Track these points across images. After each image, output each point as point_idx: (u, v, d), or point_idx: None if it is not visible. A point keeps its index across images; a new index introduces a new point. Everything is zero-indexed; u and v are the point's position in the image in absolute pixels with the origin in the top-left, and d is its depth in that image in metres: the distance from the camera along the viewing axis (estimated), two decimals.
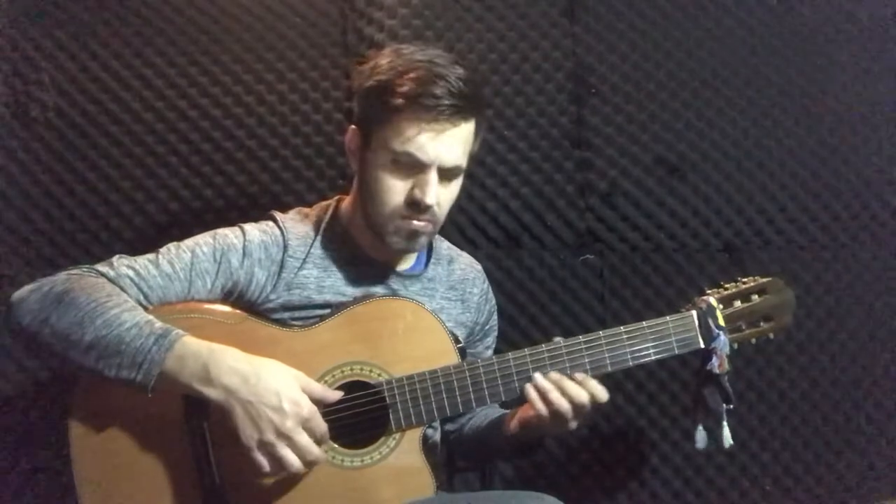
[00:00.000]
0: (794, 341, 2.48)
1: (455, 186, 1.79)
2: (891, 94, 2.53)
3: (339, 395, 1.66)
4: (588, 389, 1.70)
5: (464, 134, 1.74)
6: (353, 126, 1.80)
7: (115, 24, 2.40)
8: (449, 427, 2.07)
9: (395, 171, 1.72)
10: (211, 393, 1.54)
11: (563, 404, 1.68)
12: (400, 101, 1.67)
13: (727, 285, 1.84)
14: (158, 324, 1.56)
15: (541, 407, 1.69)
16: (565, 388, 1.69)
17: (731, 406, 1.79)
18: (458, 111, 1.70)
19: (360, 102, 1.78)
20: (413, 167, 1.71)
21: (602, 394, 1.71)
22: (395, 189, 1.72)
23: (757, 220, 2.49)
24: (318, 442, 1.59)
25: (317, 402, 1.61)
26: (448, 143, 1.71)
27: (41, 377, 2.31)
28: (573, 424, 1.73)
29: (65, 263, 2.30)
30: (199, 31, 2.42)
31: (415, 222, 1.75)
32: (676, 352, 1.75)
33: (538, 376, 1.70)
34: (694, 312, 1.76)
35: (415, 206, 1.72)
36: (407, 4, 2.43)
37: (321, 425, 1.59)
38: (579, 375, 1.71)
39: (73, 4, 2.38)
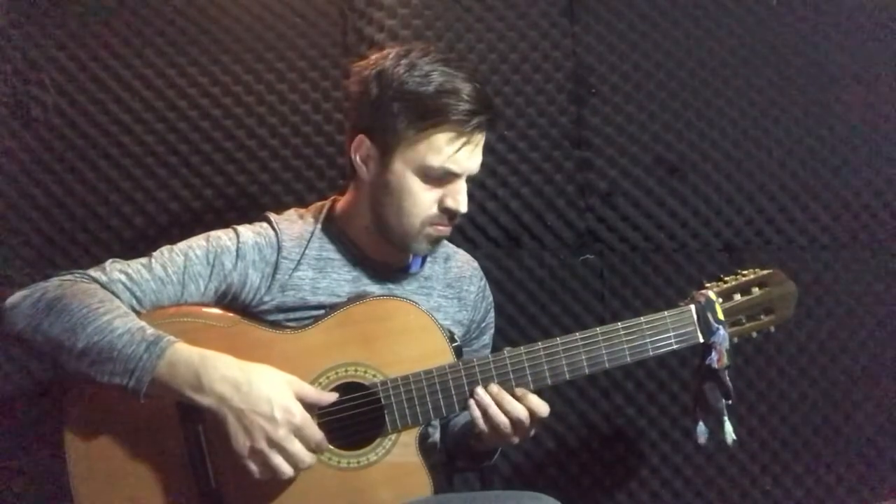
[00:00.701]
0: (794, 341, 2.47)
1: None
2: (891, 93, 2.52)
3: (333, 397, 1.66)
4: (527, 405, 1.68)
5: (484, 141, 1.80)
6: (360, 135, 1.77)
7: (115, 24, 2.40)
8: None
9: (426, 183, 1.74)
10: (203, 400, 1.54)
11: (502, 419, 1.67)
12: (435, 119, 1.69)
13: (727, 278, 1.82)
14: (150, 330, 1.56)
15: (481, 424, 1.68)
16: (503, 403, 1.68)
17: (731, 402, 1.79)
18: (488, 123, 1.76)
19: (373, 113, 1.75)
20: (444, 177, 1.74)
21: (542, 409, 1.70)
22: (428, 199, 1.75)
23: (757, 220, 2.49)
24: (315, 450, 1.59)
25: (312, 405, 1.61)
26: (477, 153, 1.79)
27: (41, 377, 2.31)
28: (515, 439, 1.72)
29: (65, 263, 2.31)
30: (199, 31, 2.42)
31: (441, 228, 1.79)
32: (675, 347, 1.75)
33: (479, 390, 1.69)
34: (692, 307, 1.75)
35: (448, 213, 1.77)
36: (407, 4, 2.43)
37: (316, 434, 1.59)
38: (519, 391, 1.69)
39: (73, 4, 2.38)
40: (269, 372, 1.58)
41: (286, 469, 1.55)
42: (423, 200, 1.75)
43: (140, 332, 1.54)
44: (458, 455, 2.03)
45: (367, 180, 1.79)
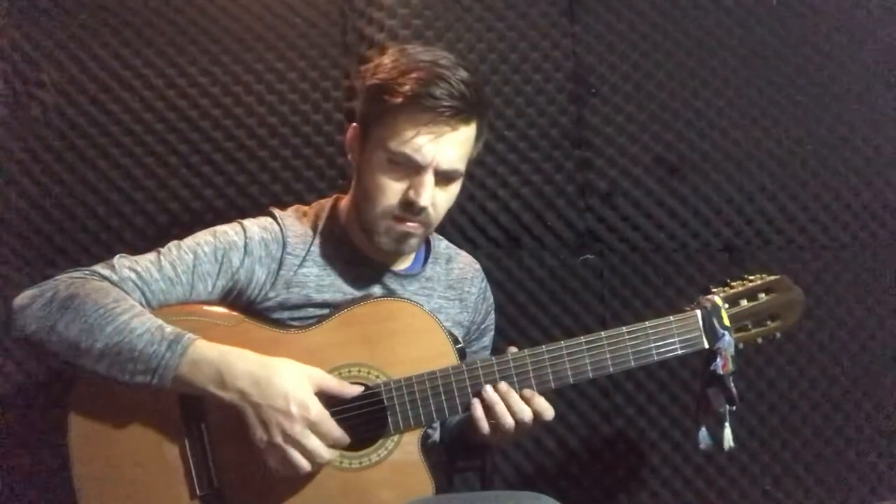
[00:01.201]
0: (794, 341, 2.48)
1: (453, 190, 1.78)
2: (891, 94, 2.53)
3: (356, 390, 1.65)
4: (534, 407, 1.68)
5: (462, 137, 1.73)
6: (354, 124, 1.80)
7: (115, 24, 2.40)
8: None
9: (390, 171, 1.71)
10: (225, 396, 1.54)
11: (507, 420, 1.67)
12: (399, 99, 1.66)
13: (733, 283, 1.81)
14: (169, 328, 1.56)
15: (483, 425, 1.67)
16: (511, 403, 1.67)
17: (734, 407, 1.78)
18: (458, 113, 1.68)
19: (362, 100, 1.77)
20: (409, 168, 1.70)
21: (548, 412, 1.69)
22: (390, 189, 1.71)
23: (757, 220, 2.50)
24: (334, 445, 1.59)
25: (333, 397, 1.61)
26: (445, 146, 1.70)
27: (41, 377, 2.31)
28: (514, 438, 1.73)
29: (65, 263, 2.30)
30: (199, 31, 2.42)
31: (407, 224, 1.74)
32: (680, 352, 1.74)
33: (488, 389, 1.68)
34: (698, 312, 1.74)
35: (408, 207, 1.71)
36: (407, 4, 2.43)
37: (334, 429, 1.58)
38: (528, 392, 1.69)
39: (73, 4, 2.38)
40: (290, 366, 1.59)
41: (303, 464, 1.55)
42: (385, 188, 1.71)
43: (159, 331, 1.55)
44: (455, 449, 2.04)
45: (354, 169, 1.81)
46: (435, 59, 1.70)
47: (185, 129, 2.40)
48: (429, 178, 1.70)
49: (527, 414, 1.67)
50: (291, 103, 2.43)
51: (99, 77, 2.38)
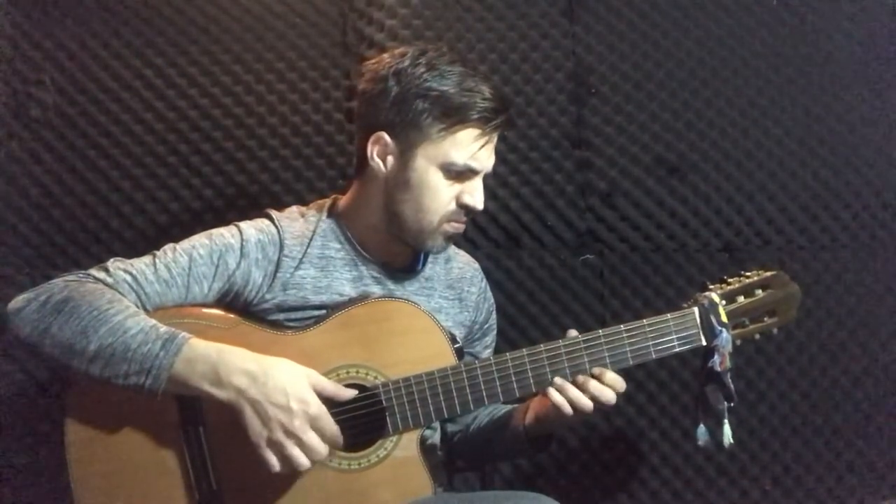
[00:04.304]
0: (794, 341, 2.47)
1: None
2: (891, 94, 2.53)
3: (352, 393, 1.65)
4: (608, 383, 1.70)
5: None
6: (379, 132, 1.77)
7: (115, 24, 2.40)
8: (452, 428, 2.06)
9: (446, 179, 1.76)
10: (221, 394, 1.54)
11: (588, 406, 1.69)
12: (460, 116, 1.72)
13: (730, 280, 1.81)
14: (163, 328, 1.56)
15: (567, 409, 1.69)
16: (590, 389, 1.69)
17: (732, 404, 1.78)
18: (507, 122, 1.80)
19: (393, 110, 1.75)
20: (463, 174, 1.76)
21: (622, 385, 1.72)
22: (447, 195, 1.77)
23: (757, 220, 2.49)
24: (330, 442, 1.59)
25: (329, 399, 1.61)
26: (492, 151, 1.81)
27: (41, 377, 2.31)
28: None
29: (64, 263, 2.31)
30: (199, 31, 2.42)
31: (457, 224, 1.81)
32: (678, 349, 1.74)
33: (563, 382, 1.69)
34: (696, 309, 1.74)
35: (464, 210, 1.79)
36: (407, 4, 2.42)
37: (331, 425, 1.58)
38: (597, 370, 1.70)
39: (73, 4, 2.38)
40: (287, 364, 1.59)
41: (303, 460, 1.55)
42: (443, 197, 1.76)
43: (154, 331, 1.55)
44: (484, 453, 2.05)
45: (383, 177, 1.79)
46: (470, 71, 1.76)
47: (185, 129, 2.40)
48: (481, 181, 1.80)
49: (610, 395, 1.70)
50: (291, 103, 2.43)
51: (99, 77, 2.38)
